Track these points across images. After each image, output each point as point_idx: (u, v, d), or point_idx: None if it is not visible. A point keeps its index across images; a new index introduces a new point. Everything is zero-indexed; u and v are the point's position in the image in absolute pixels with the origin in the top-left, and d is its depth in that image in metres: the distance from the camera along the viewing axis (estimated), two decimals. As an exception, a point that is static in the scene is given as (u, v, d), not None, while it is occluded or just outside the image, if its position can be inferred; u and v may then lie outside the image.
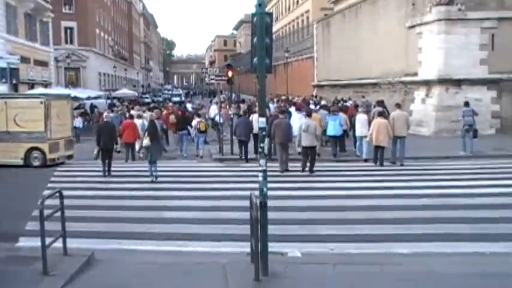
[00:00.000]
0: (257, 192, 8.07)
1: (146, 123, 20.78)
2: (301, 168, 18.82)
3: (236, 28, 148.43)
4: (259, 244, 7.80)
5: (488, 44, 28.65)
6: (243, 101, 42.98)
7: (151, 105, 42.53)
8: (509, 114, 28.50)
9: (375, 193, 14.77)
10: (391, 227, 11.03)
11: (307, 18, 67.54)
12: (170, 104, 42.12)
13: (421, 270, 8.35)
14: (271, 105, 32.02)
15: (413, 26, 31.90)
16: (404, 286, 7.80)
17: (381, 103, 25.66)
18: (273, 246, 8.44)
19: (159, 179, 17.37)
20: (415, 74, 31.50)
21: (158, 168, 17.92)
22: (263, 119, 8.26)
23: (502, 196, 13.99)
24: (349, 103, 31.97)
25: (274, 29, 78.00)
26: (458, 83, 28.74)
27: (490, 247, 9.70)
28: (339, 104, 28.79)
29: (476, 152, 22.11)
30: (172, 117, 26.80)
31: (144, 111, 27.58)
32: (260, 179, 8.07)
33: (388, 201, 13.61)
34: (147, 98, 71.71)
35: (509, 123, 28.35)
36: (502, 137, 26.48)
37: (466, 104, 23.16)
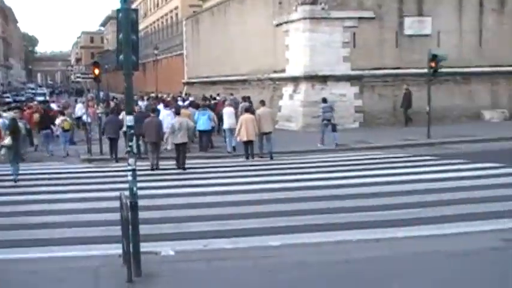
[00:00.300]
0: (127, 192, 7.94)
1: (7, 122, 19.77)
2: (173, 166, 18.78)
3: (103, 24, 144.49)
4: (131, 245, 7.68)
5: (350, 42, 29.89)
6: (114, 99, 42.04)
7: (13, 104, 40.54)
8: (370, 109, 29.93)
9: (247, 188, 15.01)
10: (263, 221, 11.25)
11: (176, 15, 67.38)
12: (35, 102, 40.31)
13: (293, 261, 8.59)
14: (140, 103, 31.60)
15: (280, 24, 32.57)
16: (276, 277, 7.98)
17: (247, 99, 26.17)
18: (146, 246, 8.34)
19: (24, 183, 16.59)
20: (283, 71, 32.23)
21: (23, 171, 17.12)
22: (131, 117, 8.14)
23: (365, 186, 14.72)
24: (217, 99, 32.33)
25: (143, 26, 77.38)
26: (323, 79, 29.72)
27: (356, 235, 10.14)
28: (208, 102, 28.91)
29: (341, 145, 23.03)
30: (36, 116, 25.75)
31: (4, 111, 26.22)
32: (130, 178, 7.94)
33: (259, 195, 13.89)
34: (7, 97, 68.13)
35: (370, 117, 29.77)
36: (364, 130, 27.76)
37: (324, 100, 24.21)
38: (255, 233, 10.39)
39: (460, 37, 31.22)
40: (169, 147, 20.74)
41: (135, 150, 8.38)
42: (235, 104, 26.09)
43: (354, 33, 29.97)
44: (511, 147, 21.38)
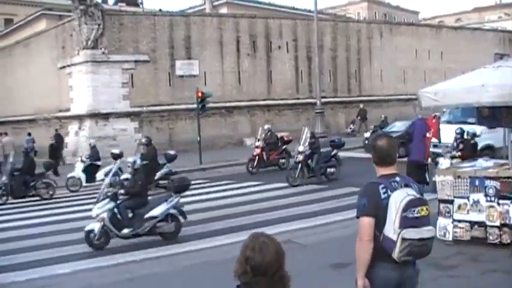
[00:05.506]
0: None
1: None
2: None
3: None
4: None
5: (129, 82, 29.94)
6: None
7: None
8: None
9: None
10: (48, 251, 10.74)
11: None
12: None
13: (79, 286, 8.46)
14: None
15: (64, 67, 31.64)
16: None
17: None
18: None
19: None
20: (68, 110, 31.22)
21: None
22: None
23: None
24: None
25: None
26: (106, 116, 29.37)
27: (140, 254, 10.16)
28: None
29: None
30: None
31: None
32: None
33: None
34: None
35: (150, 148, 29.85)
36: (146, 160, 27.72)
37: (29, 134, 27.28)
38: (42, 264, 9.92)
39: (222, 77, 32.89)
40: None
41: None
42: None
43: (132, 75, 30.09)
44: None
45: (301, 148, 17.56)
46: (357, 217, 4.17)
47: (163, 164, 18.66)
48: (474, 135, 15.46)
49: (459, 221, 9.01)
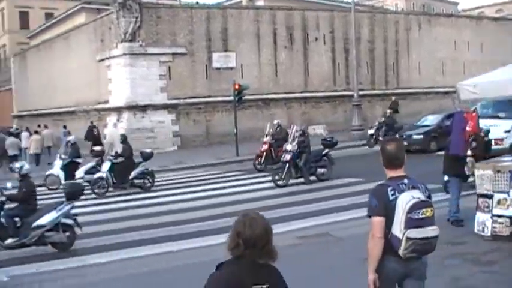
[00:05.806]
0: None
1: None
2: None
3: None
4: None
5: (166, 74, 30.23)
6: None
7: None
8: (186, 133, 30.38)
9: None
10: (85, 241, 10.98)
11: (5, 52, 63.63)
12: None
13: (102, 278, 8.58)
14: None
15: (102, 60, 32.14)
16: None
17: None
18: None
19: None
20: (107, 102, 31.74)
21: None
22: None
23: (183, 202, 14.98)
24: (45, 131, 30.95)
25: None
26: (143, 108, 29.75)
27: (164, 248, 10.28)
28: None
29: (163, 166, 23.08)
30: None
31: None
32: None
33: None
34: None
35: (187, 140, 30.20)
36: (182, 152, 28.03)
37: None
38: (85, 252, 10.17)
39: (259, 69, 32.93)
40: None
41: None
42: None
43: (169, 67, 30.37)
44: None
45: (289, 147, 16.66)
46: (368, 216, 4.45)
47: (139, 162, 17.92)
48: (488, 132, 14.38)
49: (498, 216, 8.86)
